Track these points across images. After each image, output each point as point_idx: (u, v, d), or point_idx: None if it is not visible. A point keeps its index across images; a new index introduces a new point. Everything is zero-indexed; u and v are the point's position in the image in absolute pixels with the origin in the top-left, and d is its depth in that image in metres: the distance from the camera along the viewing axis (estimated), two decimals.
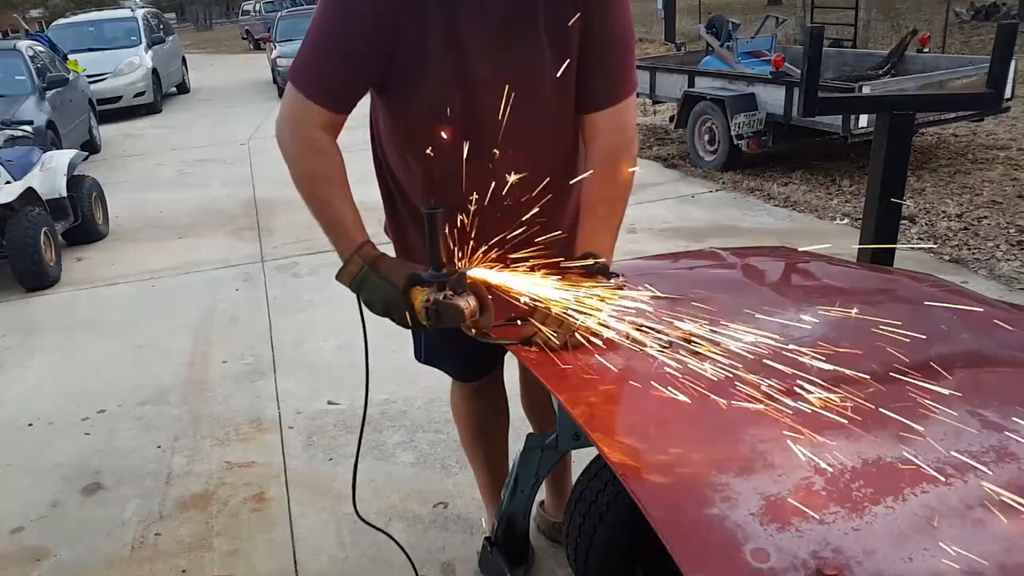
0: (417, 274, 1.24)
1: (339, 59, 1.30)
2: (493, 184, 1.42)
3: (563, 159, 1.47)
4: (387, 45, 1.28)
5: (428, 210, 1.14)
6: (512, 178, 1.42)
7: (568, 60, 1.35)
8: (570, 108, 1.43)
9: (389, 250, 1.45)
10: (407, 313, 1.25)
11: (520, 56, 1.32)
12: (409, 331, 1.80)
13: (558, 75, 1.35)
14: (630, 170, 1.44)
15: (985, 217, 4.49)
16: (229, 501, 2.46)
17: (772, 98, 5.50)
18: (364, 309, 1.31)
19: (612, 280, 1.30)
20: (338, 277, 1.31)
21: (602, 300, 1.27)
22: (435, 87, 1.32)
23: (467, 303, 1.17)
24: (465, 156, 1.37)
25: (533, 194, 1.46)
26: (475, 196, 1.43)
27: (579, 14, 1.31)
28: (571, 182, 1.53)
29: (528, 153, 1.41)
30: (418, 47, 1.29)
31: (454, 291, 1.18)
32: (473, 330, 1.22)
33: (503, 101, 1.34)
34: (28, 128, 6.07)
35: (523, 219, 1.48)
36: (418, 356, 1.81)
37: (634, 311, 1.21)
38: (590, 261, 1.30)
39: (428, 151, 1.39)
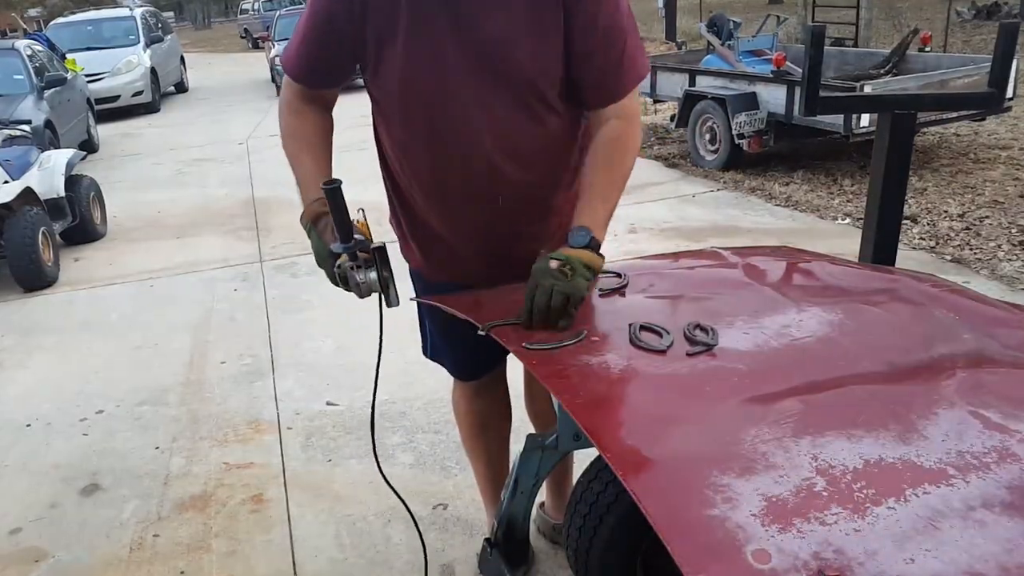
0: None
1: (310, 42, 1.39)
2: (465, 171, 1.41)
3: (539, 154, 1.45)
4: (356, 28, 1.33)
5: (326, 186, 1.23)
6: (483, 170, 1.41)
7: (548, 47, 1.31)
8: (551, 104, 1.39)
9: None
10: (330, 272, 1.35)
11: (494, 41, 1.30)
12: (406, 332, 1.80)
13: (538, 64, 1.32)
14: (632, 151, 1.42)
15: (987, 217, 4.48)
16: (228, 502, 2.45)
17: (773, 97, 5.50)
18: (383, 306, 1.37)
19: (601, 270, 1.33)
20: (301, 221, 1.42)
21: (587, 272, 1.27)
22: (405, 73, 1.33)
23: (365, 276, 1.27)
24: (437, 141, 1.38)
25: (509, 188, 1.45)
26: (449, 183, 1.44)
27: (562, 6, 1.29)
28: (556, 192, 1.51)
29: (505, 142, 1.39)
30: (388, 31, 1.31)
31: (366, 263, 1.28)
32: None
33: (476, 88, 1.33)
34: (26, 127, 6.07)
35: (501, 213, 1.48)
36: (425, 352, 1.81)
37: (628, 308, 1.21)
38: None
39: (403, 135, 1.42)
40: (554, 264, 1.26)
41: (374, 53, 1.35)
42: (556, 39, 1.31)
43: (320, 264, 1.37)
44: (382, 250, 1.28)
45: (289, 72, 1.45)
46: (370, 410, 1.53)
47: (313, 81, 1.45)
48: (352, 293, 1.32)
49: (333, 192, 1.22)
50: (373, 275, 1.28)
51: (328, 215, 1.31)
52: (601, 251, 1.33)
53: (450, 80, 1.33)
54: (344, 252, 1.27)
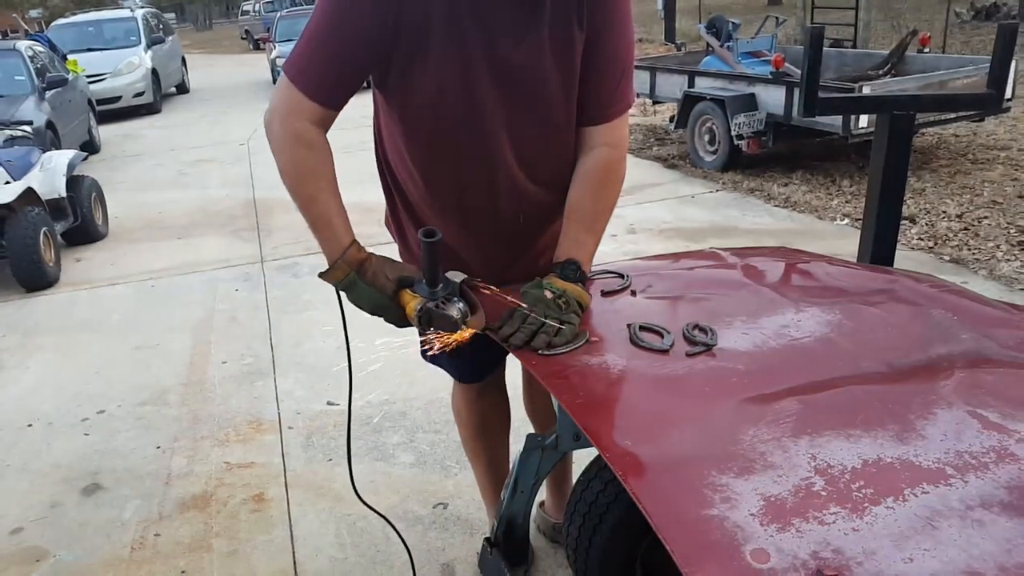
0: (406, 278, 1.26)
1: (336, 57, 1.26)
2: (489, 191, 1.42)
3: (560, 175, 1.47)
4: (387, 45, 1.27)
5: (426, 239, 1.16)
6: (508, 186, 1.42)
7: (571, 74, 1.35)
8: (572, 126, 1.42)
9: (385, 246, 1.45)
10: (394, 317, 1.27)
11: (522, 65, 1.31)
12: (405, 333, 1.80)
13: (561, 89, 1.35)
14: (618, 184, 1.45)
15: (985, 217, 4.49)
16: (228, 502, 2.46)
17: (772, 98, 5.50)
18: (345, 302, 1.32)
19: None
20: (322, 276, 1.31)
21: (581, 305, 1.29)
22: (433, 91, 1.30)
23: (458, 310, 1.21)
24: (462, 161, 1.37)
25: (530, 206, 1.46)
26: (470, 201, 1.43)
27: (584, 28, 1.31)
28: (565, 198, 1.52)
29: (528, 163, 1.41)
30: (418, 49, 1.27)
31: (446, 300, 1.22)
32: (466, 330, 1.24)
33: (503, 110, 1.34)
34: (28, 128, 6.07)
35: (519, 229, 1.49)
36: (424, 355, 1.81)
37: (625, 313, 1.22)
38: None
39: (425, 153, 1.39)
40: (549, 295, 1.27)
41: (401, 70, 1.30)
42: (578, 62, 1.34)
43: (379, 312, 1.28)
44: (464, 281, 1.25)
45: (311, 92, 1.26)
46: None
47: (337, 101, 1.30)
48: (433, 330, 1.24)
49: (435, 245, 1.17)
50: (464, 305, 1.23)
51: (370, 259, 1.28)
52: (599, 255, 1.36)
53: (479, 101, 1.31)
54: (433, 298, 1.22)
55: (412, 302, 1.24)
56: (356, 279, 1.26)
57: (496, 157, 1.38)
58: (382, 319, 1.30)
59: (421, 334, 1.28)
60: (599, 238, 1.43)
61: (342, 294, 1.32)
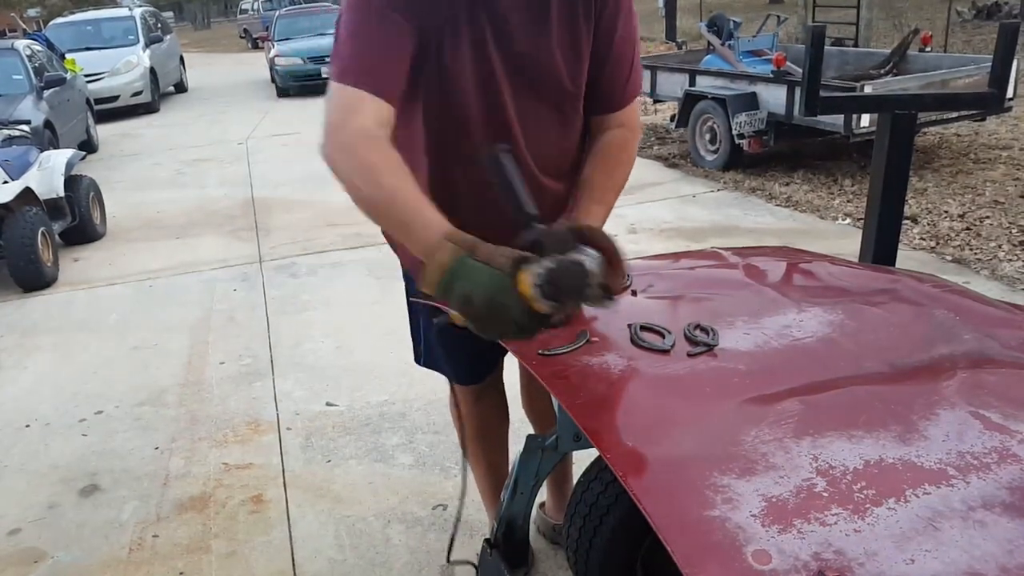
0: (525, 256, 0.97)
1: (382, 51, 1.22)
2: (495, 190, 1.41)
3: (565, 164, 1.47)
4: (413, 42, 1.27)
5: (492, 153, 0.92)
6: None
7: (578, 62, 1.36)
8: (577, 114, 1.43)
9: None
10: (516, 311, 0.96)
11: (531, 53, 1.32)
12: (405, 333, 1.78)
13: (568, 76, 1.36)
14: (630, 164, 1.46)
15: (987, 217, 4.48)
16: (227, 503, 2.45)
17: (773, 97, 5.50)
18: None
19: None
20: (423, 277, 1.03)
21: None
22: (446, 85, 1.31)
23: (590, 257, 0.90)
24: (475, 153, 1.37)
25: (539, 197, 1.46)
26: (478, 201, 1.42)
27: (591, 19, 1.32)
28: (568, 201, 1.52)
29: (537, 152, 1.41)
30: (438, 46, 1.28)
31: (560, 243, 0.92)
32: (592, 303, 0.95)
33: (514, 104, 1.34)
34: (26, 127, 6.07)
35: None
36: (418, 359, 1.80)
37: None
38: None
39: (438, 147, 1.39)
40: None
41: (420, 66, 1.29)
42: (587, 51, 1.35)
43: (493, 306, 0.96)
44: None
45: (369, 85, 1.18)
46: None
47: (391, 89, 1.22)
48: (550, 318, 0.95)
49: (500, 159, 0.90)
50: (596, 254, 0.91)
51: (481, 241, 1.00)
52: None
53: (493, 92, 1.33)
54: (548, 234, 0.92)
55: (526, 277, 0.92)
56: (466, 260, 0.99)
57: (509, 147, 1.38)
58: (489, 330, 1.01)
59: (539, 332, 1.00)
60: (608, 211, 1.42)
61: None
